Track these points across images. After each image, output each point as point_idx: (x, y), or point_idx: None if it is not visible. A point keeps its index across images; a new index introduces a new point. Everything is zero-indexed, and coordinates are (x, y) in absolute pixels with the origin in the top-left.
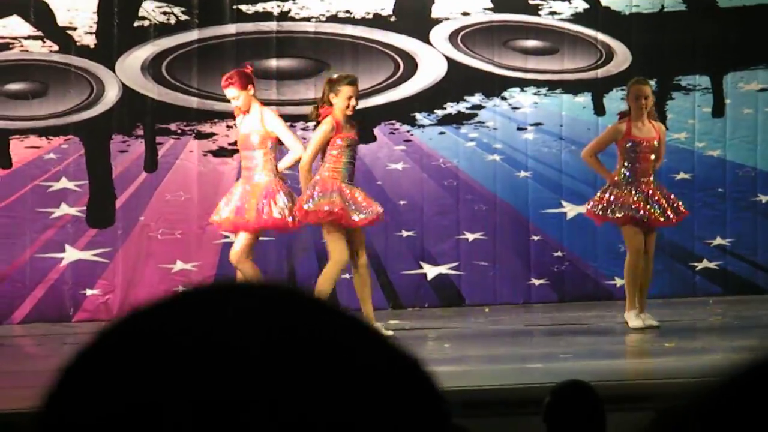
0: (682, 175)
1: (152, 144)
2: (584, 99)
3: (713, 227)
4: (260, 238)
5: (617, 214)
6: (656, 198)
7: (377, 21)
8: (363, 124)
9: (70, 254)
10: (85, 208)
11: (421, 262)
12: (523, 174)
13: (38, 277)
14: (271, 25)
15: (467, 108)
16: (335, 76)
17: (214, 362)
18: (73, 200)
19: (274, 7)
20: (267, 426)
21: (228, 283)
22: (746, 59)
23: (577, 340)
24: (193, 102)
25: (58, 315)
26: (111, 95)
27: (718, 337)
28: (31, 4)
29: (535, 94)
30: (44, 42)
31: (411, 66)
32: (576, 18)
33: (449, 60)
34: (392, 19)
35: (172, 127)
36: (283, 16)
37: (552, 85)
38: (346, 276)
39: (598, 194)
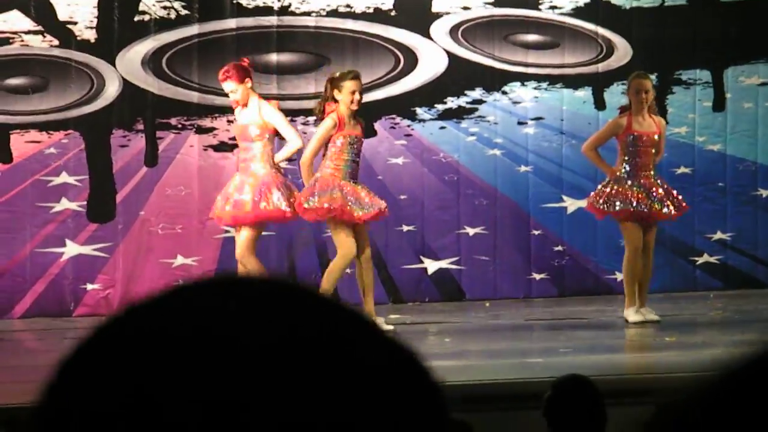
0: (682, 170)
1: (153, 139)
2: (585, 93)
3: (714, 222)
4: (261, 233)
5: (618, 208)
6: (657, 192)
7: (378, 15)
8: (364, 118)
9: (71, 249)
10: (85, 202)
11: (422, 257)
12: (523, 168)
13: (39, 271)
14: (272, 20)
15: (468, 102)
16: (337, 73)
17: (214, 357)
18: (73, 195)
19: (274, 2)
20: (267, 421)
21: (228, 277)
22: (747, 53)
23: (577, 335)
24: (194, 97)
25: (58, 310)
26: (111, 90)
27: (719, 332)
28: None
29: (535, 88)
30: (45, 37)
31: (411, 60)
32: (576, 12)
33: (450, 54)
34: (393, 13)
35: (173, 121)
36: (284, 11)
37: (552, 80)
38: (348, 270)
39: (599, 188)
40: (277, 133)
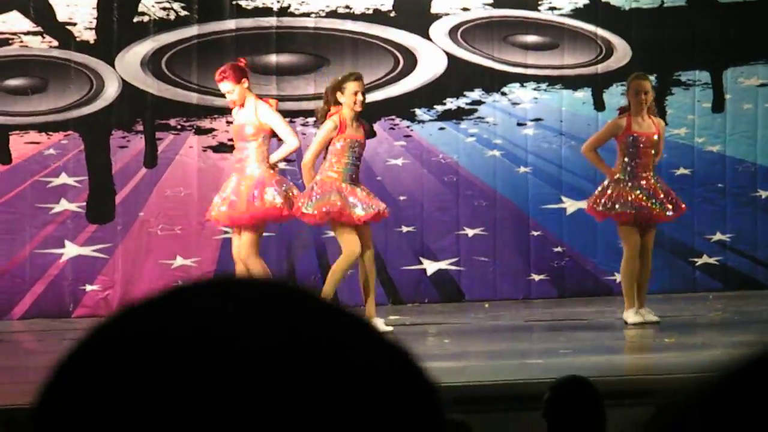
0: (681, 171)
1: (152, 140)
2: (584, 94)
3: (713, 223)
4: (263, 234)
5: (619, 211)
6: (657, 193)
7: (377, 16)
8: (363, 119)
9: (70, 250)
10: (84, 203)
11: (421, 258)
12: (523, 169)
13: (38, 272)
14: (271, 21)
15: (467, 103)
16: (339, 77)
17: (214, 358)
18: (72, 196)
19: (273, 3)
20: (267, 421)
21: (228, 278)
22: (746, 54)
23: (577, 336)
24: (193, 98)
25: (57, 311)
26: (111, 91)
27: (718, 333)
28: (30, 0)
29: (535, 89)
30: (44, 38)
31: (411, 61)
32: (576, 13)
33: (449, 55)
34: (392, 14)
35: (172, 122)
36: (283, 12)
37: (552, 81)
38: (350, 271)
39: (599, 190)
40: (273, 134)
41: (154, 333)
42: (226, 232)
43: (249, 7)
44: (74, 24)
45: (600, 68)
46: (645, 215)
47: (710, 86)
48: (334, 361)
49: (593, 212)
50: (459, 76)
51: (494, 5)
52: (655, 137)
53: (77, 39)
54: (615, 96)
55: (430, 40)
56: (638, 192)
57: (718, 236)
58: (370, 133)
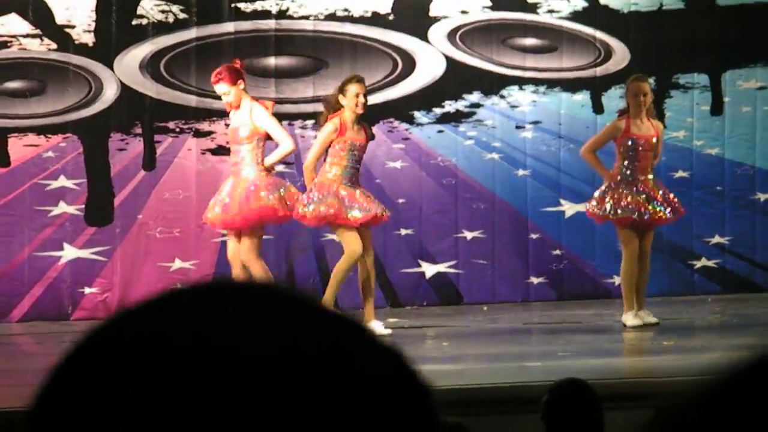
0: (680, 174)
1: (151, 142)
2: (583, 97)
3: (712, 225)
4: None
5: (618, 215)
6: (656, 196)
7: (376, 19)
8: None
9: (69, 252)
10: (83, 206)
11: (420, 261)
12: (521, 172)
13: (37, 275)
14: (270, 24)
15: (466, 106)
16: (341, 84)
17: (212, 361)
18: (71, 198)
19: (272, 6)
20: (266, 423)
21: (226, 281)
22: (745, 57)
23: (575, 339)
24: (192, 100)
25: (56, 313)
26: (109, 93)
27: (717, 336)
28: (29, 3)
29: (533, 92)
30: (42, 40)
31: (409, 64)
32: (574, 16)
33: (448, 58)
34: (391, 17)
35: (171, 125)
36: (282, 15)
37: (550, 84)
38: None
39: (598, 194)
40: (269, 137)
41: (152, 336)
42: (224, 235)
43: (248, 10)
44: (73, 27)
45: (598, 71)
46: (645, 219)
47: (709, 89)
48: (329, 367)
49: (593, 216)
50: (458, 78)
51: (493, 8)
52: (654, 140)
53: (76, 42)
54: (614, 99)
55: (429, 43)
56: (638, 196)
57: (716, 239)
58: (371, 137)
